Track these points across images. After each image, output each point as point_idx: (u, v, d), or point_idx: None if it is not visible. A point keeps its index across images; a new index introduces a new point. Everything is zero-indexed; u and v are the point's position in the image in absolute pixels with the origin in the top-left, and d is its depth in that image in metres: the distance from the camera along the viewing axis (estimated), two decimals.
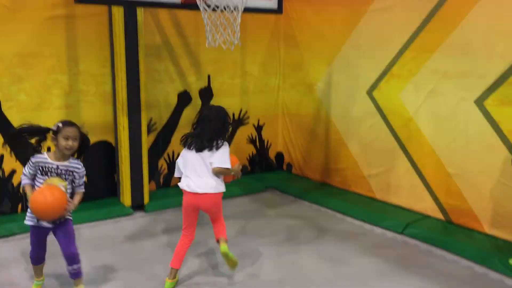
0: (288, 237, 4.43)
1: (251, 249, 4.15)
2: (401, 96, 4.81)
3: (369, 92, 5.10)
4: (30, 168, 3.02)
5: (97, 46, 4.79)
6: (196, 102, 5.59)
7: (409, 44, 4.67)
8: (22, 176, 3.05)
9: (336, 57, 5.45)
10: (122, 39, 4.58)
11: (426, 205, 4.72)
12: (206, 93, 5.66)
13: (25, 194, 3.04)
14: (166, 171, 5.53)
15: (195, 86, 5.56)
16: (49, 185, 2.96)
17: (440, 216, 4.63)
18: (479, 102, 4.17)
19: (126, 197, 4.93)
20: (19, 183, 3.90)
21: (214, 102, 5.71)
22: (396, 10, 4.77)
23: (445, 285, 3.53)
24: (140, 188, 4.99)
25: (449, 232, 4.33)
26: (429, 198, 4.69)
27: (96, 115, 4.91)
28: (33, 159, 3.02)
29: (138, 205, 5.00)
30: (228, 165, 3.35)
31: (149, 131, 5.22)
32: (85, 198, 4.86)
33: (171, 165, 5.55)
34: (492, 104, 4.08)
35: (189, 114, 5.56)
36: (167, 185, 5.57)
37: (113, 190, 5.11)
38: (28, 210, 3.01)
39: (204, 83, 5.62)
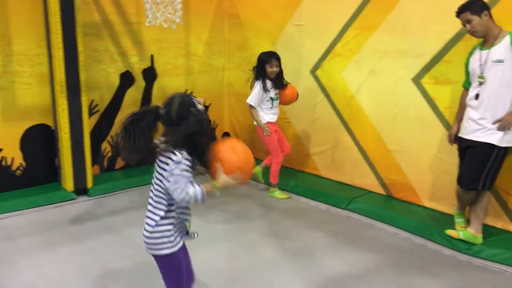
0: (237, 216, 4.47)
1: (201, 228, 4.13)
2: (344, 75, 4.91)
3: (313, 71, 5.17)
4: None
5: (31, 25, 4.56)
6: (139, 83, 5.47)
7: (351, 23, 4.75)
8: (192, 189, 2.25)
9: (280, 36, 5.47)
10: (58, 17, 4.37)
11: (368, 181, 4.89)
12: (150, 73, 5.54)
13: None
14: (110, 154, 5.39)
15: (138, 66, 5.42)
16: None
17: (381, 191, 4.80)
18: (417, 80, 4.32)
19: (68, 182, 4.78)
20: None
21: (159, 82, 5.60)
22: None
23: (386, 256, 3.69)
24: (83, 172, 4.85)
25: (389, 206, 4.51)
26: (371, 174, 4.85)
27: (33, 97, 4.70)
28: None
29: (81, 190, 4.86)
30: None
31: (90, 113, 5.05)
32: (25, 184, 4.76)
33: (115, 147, 5.42)
34: (429, 82, 4.24)
35: (133, 95, 5.43)
36: (111, 168, 5.44)
37: (54, 175, 4.94)
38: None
39: (147, 63, 5.49)
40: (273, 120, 4.88)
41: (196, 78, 5.99)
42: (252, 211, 4.62)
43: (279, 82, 4.80)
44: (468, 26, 3.49)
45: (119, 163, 5.49)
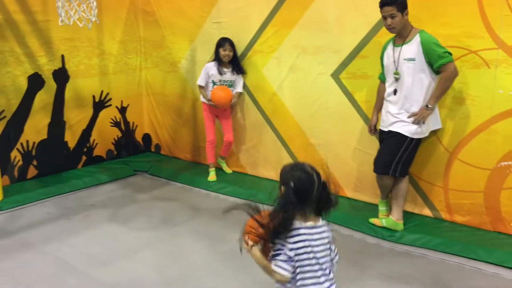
0: (163, 220, 4.33)
1: (125, 236, 3.98)
2: (264, 71, 4.94)
3: None
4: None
5: None
6: (50, 85, 5.12)
7: (270, 20, 4.77)
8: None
9: (198, 34, 5.38)
10: None
11: None
12: (61, 75, 5.21)
13: None
14: (21, 162, 5.01)
15: (47, 67, 5.07)
16: None
17: None
18: (335, 75, 4.45)
19: None
20: None
21: (71, 84, 5.29)
22: None
23: None
24: None
25: None
26: None
27: None
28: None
29: None
30: None
31: None
32: None
33: (26, 155, 5.05)
34: (347, 77, 4.38)
35: (43, 98, 5.09)
36: (23, 178, 5.06)
37: None
38: None
39: (58, 64, 5.16)
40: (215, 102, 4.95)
41: (111, 78, 5.73)
42: (179, 214, 4.51)
43: (236, 68, 4.96)
44: (389, 20, 3.59)
45: (32, 171, 5.12)
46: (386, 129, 3.83)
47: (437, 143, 3.97)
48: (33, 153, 5.10)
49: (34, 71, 4.96)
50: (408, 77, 3.64)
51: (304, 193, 2.00)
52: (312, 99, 4.65)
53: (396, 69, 3.69)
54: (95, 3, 3.46)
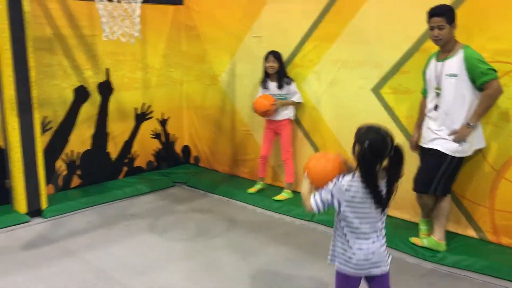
0: (199, 232, 4.36)
1: (162, 247, 4.02)
2: (304, 86, 4.91)
3: None
4: None
5: None
6: (95, 97, 5.28)
7: (310, 34, 4.77)
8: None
9: (239, 48, 5.43)
10: (6, 32, 4.16)
11: None
12: (106, 87, 5.36)
13: None
14: (65, 172, 5.17)
15: (93, 80, 5.23)
16: None
17: None
18: (376, 90, 4.38)
19: (21, 204, 4.53)
20: None
21: (115, 96, 5.44)
22: (294, 1, 4.84)
23: None
24: (37, 193, 4.61)
25: None
26: None
27: None
28: None
29: (35, 211, 4.62)
30: None
31: (43, 130, 4.83)
32: None
33: (70, 165, 5.20)
34: (388, 92, 4.30)
35: (88, 110, 5.24)
36: (67, 187, 5.21)
37: (5, 197, 4.67)
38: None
39: (102, 77, 5.31)
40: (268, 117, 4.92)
41: (153, 91, 5.85)
42: (215, 226, 4.52)
43: (280, 80, 4.82)
44: (436, 31, 3.50)
45: (75, 181, 5.27)
46: (426, 146, 3.73)
47: (483, 161, 3.82)
48: (77, 163, 5.26)
49: (80, 84, 5.13)
50: (449, 93, 3.53)
51: (377, 153, 2.22)
52: (352, 114, 4.59)
53: (438, 85, 3.59)
54: (138, 19, 3.55)
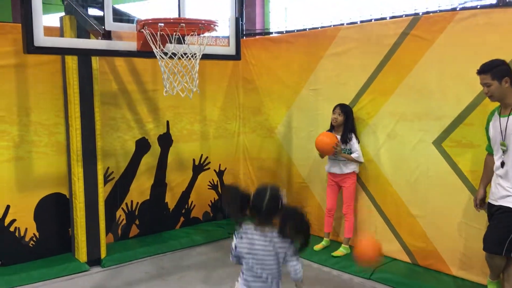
0: None
1: None
2: (361, 138, 4.84)
3: None
4: None
5: (49, 96, 4.62)
6: (155, 149, 5.45)
7: (367, 87, 4.74)
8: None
9: (295, 101, 5.47)
10: (76, 88, 4.43)
11: (391, 247, 4.68)
12: (165, 139, 5.53)
13: None
14: (124, 222, 5.29)
15: (153, 132, 5.42)
16: None
17: (406, 258, 4.59)
18: (437, 143, 4.23)
19: (82, 252, 4.65)
20: None
21: (174, 148, 5.59)
22: (351, 54, 4.86)
23: None
24: (97, 242, 4.73)
25: (416, 275, 4.29)
26: (394, 240, 4.66)
27: (49, 166, 4.68)
28: None
29: (94, 260, 4.72)
30: None
31: (106, 180, 5.01)
32: (38, 255, 4.64)
33: (130, 215, 5.33)
34: (450, 145, 4.15)
35: (148, 161, 5.40)
36: (125, 237, 5.32)
37: (68, 246, 4.82)
38: None
39: (163, 130, 5.50)
40: (330, 171, 4.88)
41: (211, 143, 5.97)
42: None
43: (345, 135, 4.73)
44: (485, 88, 3.42)
45: (133, 231, 5.38)
46: (496, 203, 3.50)
47: None
48: (136, 213, 5.38)
49: (142, 136, 5.33)
50: None
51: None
52: (412, 167, 4.44)
53: (503, 140, 3.42)
54: (196, 75, 3.67)
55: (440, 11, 4.37)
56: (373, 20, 4.85)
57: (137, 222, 5.39)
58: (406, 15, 4.61)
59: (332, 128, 4.85)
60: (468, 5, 4.36)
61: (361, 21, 5.02)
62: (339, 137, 4.77)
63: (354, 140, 4.73)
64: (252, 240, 2.70)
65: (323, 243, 5.02)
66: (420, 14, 4.46)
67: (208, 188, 6.03)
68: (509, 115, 3.39)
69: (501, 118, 3.46)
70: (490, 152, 3.65)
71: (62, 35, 4.33)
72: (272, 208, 2.64)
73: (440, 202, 4.25)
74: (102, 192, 4.75)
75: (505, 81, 3.36)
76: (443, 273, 4.27)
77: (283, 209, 2.66)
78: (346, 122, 4.74)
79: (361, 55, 4.76)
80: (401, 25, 4.42)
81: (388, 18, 4.71)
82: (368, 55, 4.69)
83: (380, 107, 4.64)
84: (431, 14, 4.34)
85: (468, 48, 3.97)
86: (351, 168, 4.78)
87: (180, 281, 4.40)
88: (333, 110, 4.79)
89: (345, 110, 4.75)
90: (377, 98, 4.65)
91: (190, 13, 4.61)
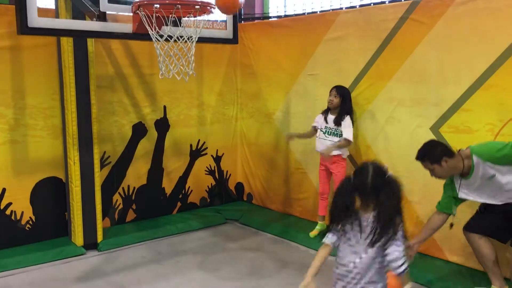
0: (250, 272, 4.27)
1: (212, 285, 3.96)
2: (359, 123, 4.81)
3: None
4: None
5: (45, 78, 4.59)
6: (152, 134, 5.42)
7: (365, 72, 4.70)
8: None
9: (293, 86, 5.44)
10: (71, 71, 4.39)
11: None
12: (162, 124, 5.50)
13: None
14: (121, 206, 5.28)
15: (150, 117, 5.39)
16: None
17: None
18: (435, 129, 4.20)
19: (78, 236, 4.65)
20: None
21: (171, 133, 5.56)
22: (350, 39, 4.81)
23: None
24: (93, 226, 4.72)
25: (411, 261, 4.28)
26: None
27: (45, 150, 4.66)
28: None
29: (91, 244, 4.72)
30: None
31: (102, 165, 4.99)
32: (34, 239, 4.65)
33: (126, 199, 5.32)
34: (448, 131, 4.12)
35: (145, 146, 5.38)
36: (122, 221, 5.31)
37: (64, 229, 4.82)
38: None
39: (160, 114, 5.46)
40: (317, 149, 4.87)
41: (208, 128, 5.94)
42: (266, 266, 4.42)
43: (340, 117, 4.67)
44: (431, 173, 3.42)
45: (130, 215, 5.37)
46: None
47: None
48: (133, 197, 5.37)
49: (138, 121, 5.30)
50: (504, 179, 3.32)
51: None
52: (409, 153, 4.36)
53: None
54: (192, 58, 3.63)
55: None
56: (372, 4, 4.80)
57: (134, 206, 5.39)
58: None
59: (328, 110, 4.81)
60: None
61: (360, 5, 4.98)
62: (333, 118, 4.72)
63: (347, 122, 4.65)
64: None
65: (318, 227, 5.02)
66: None
67: (205, 174, 6.01)
68: (469, 177, 3.38)
69: (462, 180, 3.43)
70: (441, 211, 3.60)
71: (57, 17, 4.27)
72: (378, 183, 2.34)
73: (437, 189, 4.22)
74: (99, 176, 4.73)
75: (444, 161, 3.33)
76: (439, 258, 4.28)
77: (388, 183, 2.35)
78: (343, 105, 4.69)
79: (360, 40, 4.71)
80: (400, 9, 4.36)
81: (387, 2, 4.65)
82: (366, 40, 4.64)
83: (378, 92, 4.60)
84: None
85: (467, 33, 3.92)
86: (337, 151, 4.73)
87: (176, 266, 4.41)
88: (330, 92, 4.74)
89: (342, 92, 4.70)
90: (376, 83, 4.62)
91: None
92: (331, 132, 4.77)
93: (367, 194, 2.34)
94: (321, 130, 4.84)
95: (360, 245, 2.35)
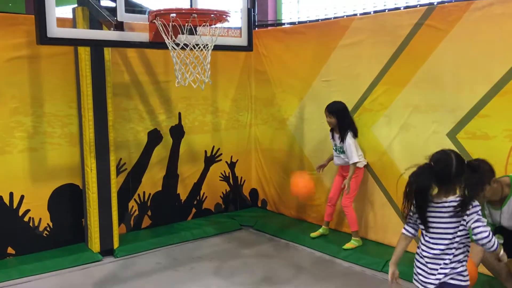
0: (265, 278, 4.27)
1: None
2: (374, 129, 4.80)
3: None
4: None
5: (62, 87, 4.65)
6: (167, 140, 5.46)
7: (380, 78, 4.69)
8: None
9: (307, 92, 5.44)
10: (88, 79, 4.45)
11: None
12: (177, 131, 5.54)
13: None
14: (137, 212, 5.32)
15: (165, 124, 5.43)
16: None
17: None
18: (452, 135, 4.18)
19: (95, 242, 4.69)
20: None
21: (186, 139, 5.59)
22: (365, 45, 4.80)
23: None
24: (110, 232, 4.77)
25: None
26: None
27: (62, 157, 4.72)
28: None
29: (107, 250, 4.77)
30: None
31: (118, 171, 5.03)
32: (51, 245, 4.70)
33: (142, 206, 5.36)
34: (465, 137, 4.09)
35: (160, 153, 5.42)
36: (138, 228, 5.35)
37: (81, 236, 4.87)
38: None
39: (175, 121, 5.50)
40: (335, 163, 4.94)
41: (223, 134, 5.96)
42: (281, 272, 4.42)
43: (342, 134, 4.71)
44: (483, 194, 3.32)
45: (146, 221, 5.41)
46: None
47: None
48: (148, 204, 5.40)
49: (154, 127, 5.34)
50: None
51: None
52: (425, 159, 4.39)
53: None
54: (208, 66, 3.66)
55: (455, 0, 4.30)
56: (386, 11, 4.80)
57: (149, 213, 5.42)
58: (421, 5, 4.55)
59: (332, 131, 4.87)
60: None
61: (375, 12, 4.97)
62: (338, 136, 4.77)
63: (347, 143, 4.66)
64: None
65: (320, 231, 5.07)
66: (435, 3, 4.39)
67: (220, 180, 6.03)
68: (501, 208, 3.36)
69: (496, 211, 3.41)
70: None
71: (74, 26, 4.34)
72: (460, 171, 2.57)
73: None
74: (115, 183, 4.78)
75: (494, 181, 3.28)
76: None
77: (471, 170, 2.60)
78: (340, 122, 4.73)
79: (375, 46, 4.71)
80: (415, 15, 4.35)
81: (402, 8, 4.66)
82: (381, 46, 4.64)
83: (393, 98, 4.59)
84: (446, 3, 4.26)
85: (484, 38, 3.91)
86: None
87: (191, 272, 4.42)
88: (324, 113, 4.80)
89: (333, 111, 4.73)
90: (391, 89, 4.60)
91: (202, 4, 4.60)
92: (341, 150, 4.78)
93: (449, 182, 2.58)
94: (333, 148, 4.89)
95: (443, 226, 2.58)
